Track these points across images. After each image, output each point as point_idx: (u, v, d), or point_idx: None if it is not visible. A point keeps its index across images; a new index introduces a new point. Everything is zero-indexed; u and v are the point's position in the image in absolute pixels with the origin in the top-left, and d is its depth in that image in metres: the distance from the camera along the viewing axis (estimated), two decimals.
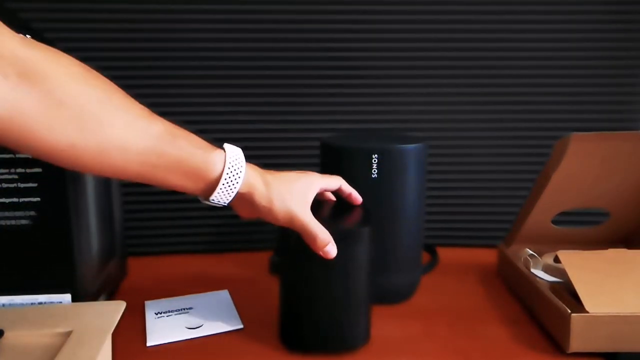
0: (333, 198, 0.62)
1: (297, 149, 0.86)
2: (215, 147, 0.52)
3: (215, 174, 0.50)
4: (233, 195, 0.52)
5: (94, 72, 0.45)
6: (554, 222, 0.73)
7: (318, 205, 0.59)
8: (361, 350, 0.57)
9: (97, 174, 0.48)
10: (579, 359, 0.54)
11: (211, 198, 0.51)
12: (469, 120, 0.86)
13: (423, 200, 0.67)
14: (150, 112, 0.48)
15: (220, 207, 0.54)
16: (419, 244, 0.68)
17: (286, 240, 0.55)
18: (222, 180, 0.51)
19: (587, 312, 0.54)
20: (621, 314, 0.53)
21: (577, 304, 0.55)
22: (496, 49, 0.84)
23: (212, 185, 0.51)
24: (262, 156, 0.85)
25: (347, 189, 0.60)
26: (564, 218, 0.72)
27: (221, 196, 0.51)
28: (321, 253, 0.53)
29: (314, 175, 0.57)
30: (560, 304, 0.56)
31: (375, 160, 0.63)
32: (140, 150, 0.46)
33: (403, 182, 0.64)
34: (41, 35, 0.71)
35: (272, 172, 0.55)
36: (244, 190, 0.52)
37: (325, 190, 0.59)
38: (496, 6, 0.83)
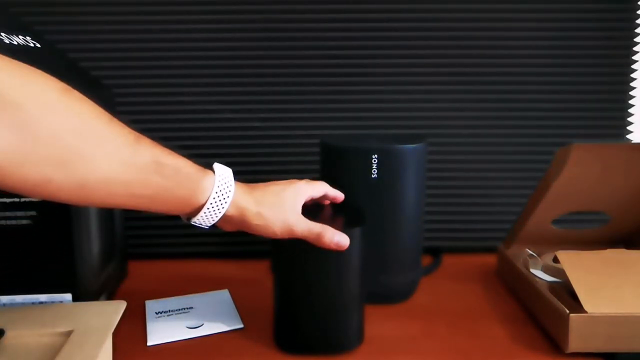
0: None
1: (297, 150, 0.86)
2: (204, 170, 0.50)
3: (202, 199, 0.49)
4: (218, 218, 0.51)
5: (73, 93, 0.41)
6: (554, 222, 0.73)
7: (310, 208, 0.60)
8: (360, 350, 0.57)
9: (75, 205, 0.44)
10: (577, 359, 0.54)
11: (194, 220, 0.51)
12: (470, 125, 0.86)
13: (423, 200, 0.68)
14: (136, 135, 0.45)
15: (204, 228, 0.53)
16: (418, 244, 0.68)
17: (278, 242, 0.55)
18: (208, 205, 0.50)
19: (586, 312, 0.54)
20: (620, 314, 0.54)
21: (575, 304, 0.55)
22: (500, 55, 0.84)
23: (198, 209, 0.50)
24: (262, 160, 0.86)
25: (332, 192, 0.60)
26: (565, 218, 0.72)
27: (204, 219, 0.51)
28: (334, 247, 0.52)
29: (300, 183, 0.56)
30: (558, 304, 0.56)
31: (375, 160, 0.63)
32: (124, 182, 0.43)
33: (403, 182, 0.64)
34: (41, 37, 0.71)
35: (259, 186, 0.54)
36: (231, 213, 0.51)
37: (312, 198, 0.58)
38: (497, 6, 0.83)
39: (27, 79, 0.38)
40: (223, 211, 0.51)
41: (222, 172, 0.51)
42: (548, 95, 0.86)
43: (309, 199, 0.57)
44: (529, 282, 0.65)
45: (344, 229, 0.55)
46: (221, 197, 0.50)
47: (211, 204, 0.50)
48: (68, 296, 0.59)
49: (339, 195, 0.60)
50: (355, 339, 0.58)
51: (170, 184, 0.47)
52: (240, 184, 0.53)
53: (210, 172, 0.51)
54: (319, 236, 0.52)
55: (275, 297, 0.58)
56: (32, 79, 0.38)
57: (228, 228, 0.54)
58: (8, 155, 0.36)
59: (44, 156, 0.38)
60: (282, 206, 0.53)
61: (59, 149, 0.39)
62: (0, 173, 0.37)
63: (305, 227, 0.53)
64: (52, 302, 0.59)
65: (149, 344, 0.58)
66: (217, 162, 0.84)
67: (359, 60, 0.84)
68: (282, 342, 0.58)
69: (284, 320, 0.58)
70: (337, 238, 0.52)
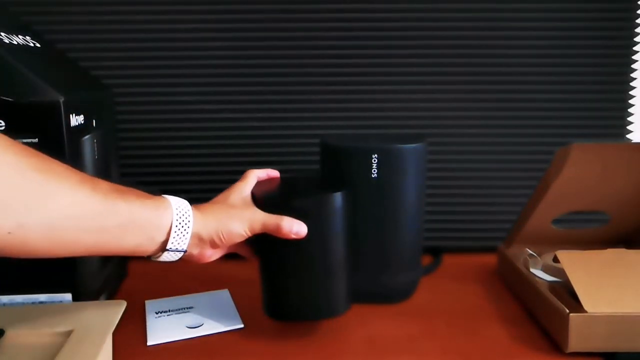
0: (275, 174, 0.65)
1: (297, 150, 0.86)
2: (155, 196, 0.51)
3: (167, 220, 0.50)
4: (188, 237, 0.51)
5: (21, 144, 0.41)
6: (554, 222, 0.73)
7: (295, 181, 0.63)
8: (360, 350, 0.57)
9: (45, 255, 0.43)
10: (577, 359, 0.54)
11: (168, 246, 0.50)
12: (470, 125, 0.86)
13: (423, 200, 0.68)
14: (90, 176, 0.46)
15: (176, 260, 0.53)
16: (418, 243, 0.68)
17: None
18: (175, 224, 0.50)
19: (586, 311, 0.54)
20: (620, 314, 0.54)
21: (575, 304, 0.55)
22: (500, 55, 0.84)
23: (167, 234, 0.50)
24: (262, 160, 0.86)
25: (263, 173, 0.63)
26: (565, 218, 0.72)
27: (178, 241, 0.50)
28: (293, 236, 0.54)
29: (237, 184, 0.59)
30: (558, 303, 0.56)
31: (375, 160, 0.63)
32: (94, 213, 0.44)
33: (403, 182, 0.64)
34: (41, 37, 0.71)
35: (205, 205, 0.56)
36: (197, 230, 0.52)
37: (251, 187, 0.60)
38: (496, 5, 0.83)
39: None
40: (191, 224, 0.51)
41: (169, 196, 0.53)
42: (548, 95, 0.86)
43: (250, 190, 0.59)
44: (529, 282, 0.65)
45: (323, 195, 0.56)
46: (183, 212, 0.51)
47: (178, 219, 0.50)
48: (68, 296, 0.59)
49: (270, 172, 0.64)
50: (341, 305, 0.58)
51: (136, 206, 0.47)
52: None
53: (159, 196, 0.52)
54: (277, 227, 0.54)
55: (260, 266, 0.59)
56: None
57: (201, 256, 0.54)
58: None
59: (9, 196, 0.38)
60: (231, 207, 0.56)
61: (24, 187, 0.39)
62: None
63: (261, 219, 0.54)
64: (52, 302, 0.59)
65: (149, 343, 0.58)
66: (217, 162, 0.85)
67: (359, 60, 0.84)
68: (269, 309, 0.59)
69: (267, 288, 0.59)
70: (295, 228, 0.54)
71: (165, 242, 0.50)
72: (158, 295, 0.70)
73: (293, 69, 0.84)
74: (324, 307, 0.58)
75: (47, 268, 0.58)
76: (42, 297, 0.59)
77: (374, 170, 0.63)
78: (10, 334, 0.49)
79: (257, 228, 0.54)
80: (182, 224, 0.51)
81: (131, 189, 0.49)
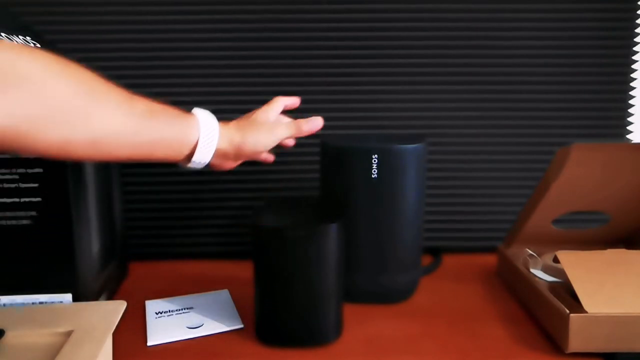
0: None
1: (297, 150, 0.86)
2: (187, 112, 0.57)
3: (194, 135, 0.56)
4: (213, 151, 0.57)
5: (71, 63, 0.46)
6: (554, 222, 0.73)
7: (292, 203, 0.64)
8: (360, 350, 0.57)
9: (87, 161, 0.51)
10: (577, 359, 0.54)
11: (193, 159, 0.56)
12: (470, 125, 0.86)
13: (423, 200, 0.68)
14: (128, 92, 0.50)
15: (201, 169, 0.59)
16: (418, 243, 0.69)
17: (256, 237, 0.57)
18: (201, 139, 0.56)
19: (586, 312, 0.54)
20: (620, 314, 0.54)
21: (576, 304, 0.55)
22: (501, 55, 0.84)
23: (192, 148, 0.56)
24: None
25: (290, 100, 0.68)
26: (565, 218, 0.72)
27: (202, 155, 0.57)
28: (314, 132, 0.64)
29: (263, 107, 0.65)
30: (558, 304, 0.56)
31: (375, 160, 0.63)
32: (130, 131, 0.49)
33: (403, 182, 0.64)
34: (41, 37, 0.71)
35: (230, 122, 0.62)
36: (222, 145, 0.58)
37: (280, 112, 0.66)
38: (496, 5, 0.83)
39: (34, 55, 0.43)
40: (215, 141, 0.57)
41: (200, 111, 0.59)
42: (548, 95, 0.86)
43: (275, 114, 0.65)
44: (529, 282, 0.65)
45: (320, 225, 0.56)
46: (210, 130, 0.57)
47: (204, 137, 0.56)
48: (68, 296, 0.59)
49: (294, 100, 0.70)
50: (332, 332, 0.58)
51: (166, 126, 0.53)
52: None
53: (190, 113, 0.58)
54: (299, 131, 0.63)
55: (255, 290, 0.59)
56: (38, 55, 0.43)
57: (226, 165, 0.61)
58: (32, 123, 0.42)
59: (61, 119, 0.44)
60: (258, 122, 0.62)
61: (72, 111, 0.44)
62: (29, 139, 0.42)
63: (285, 128, 0.63)
64: (52, 302, 0.59)
65: (149, 344, 0.58)
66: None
67: (359, 60, 0.84)
68: (259, 332, 0.59)
69: (260, 313, 0.59)
70: (310, 126, 0.64)
71: (191, 154, 0.56)
72: (158, 295, 0.70)
73: (293, 69, 0.84)
74: (311, 335, 0.58)
75: (47, 268, 0.59)
76: (42, 297, 0.59)
77: (374, 170, 0.63)
78: (10, 334, 0.49)
79: (279, 136, 0.62)
80: (208, 140, 0.57)
81: (165, 107, 0.54)
